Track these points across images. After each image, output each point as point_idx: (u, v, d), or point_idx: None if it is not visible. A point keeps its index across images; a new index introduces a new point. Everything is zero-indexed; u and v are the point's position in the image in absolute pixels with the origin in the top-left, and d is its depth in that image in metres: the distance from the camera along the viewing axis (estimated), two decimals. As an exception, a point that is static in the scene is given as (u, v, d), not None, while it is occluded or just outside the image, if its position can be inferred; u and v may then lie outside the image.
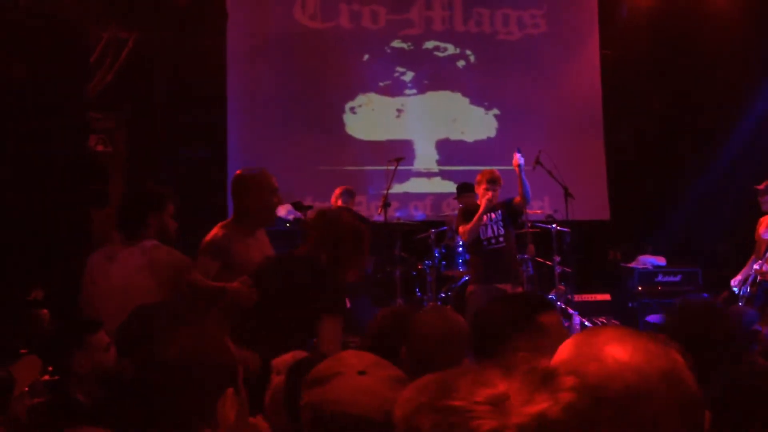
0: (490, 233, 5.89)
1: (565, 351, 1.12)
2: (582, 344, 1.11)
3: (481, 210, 5.78)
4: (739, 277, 6.26)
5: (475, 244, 5.95)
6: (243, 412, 1.65)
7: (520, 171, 5.79)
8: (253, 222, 3.74)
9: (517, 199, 5.87)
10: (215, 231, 3.70)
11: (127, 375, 1.88)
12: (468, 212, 5.92)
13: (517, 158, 5.82)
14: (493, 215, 5.90)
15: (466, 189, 7.53)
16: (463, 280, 7.02)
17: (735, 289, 6.23)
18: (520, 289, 5.92)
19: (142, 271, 3.30)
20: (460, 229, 5.92)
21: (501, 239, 5.87)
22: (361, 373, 1.35)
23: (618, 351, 1.06)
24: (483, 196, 5.81)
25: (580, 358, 1.07)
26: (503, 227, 5.88)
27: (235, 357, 1.62)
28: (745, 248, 6.51)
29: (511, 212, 5.94)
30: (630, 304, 7.99)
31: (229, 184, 8.29)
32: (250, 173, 3.83)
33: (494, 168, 6.13)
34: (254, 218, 3.74)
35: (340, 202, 6.34)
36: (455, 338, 2.13)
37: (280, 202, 3.91)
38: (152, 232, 3.45)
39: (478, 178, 5.97)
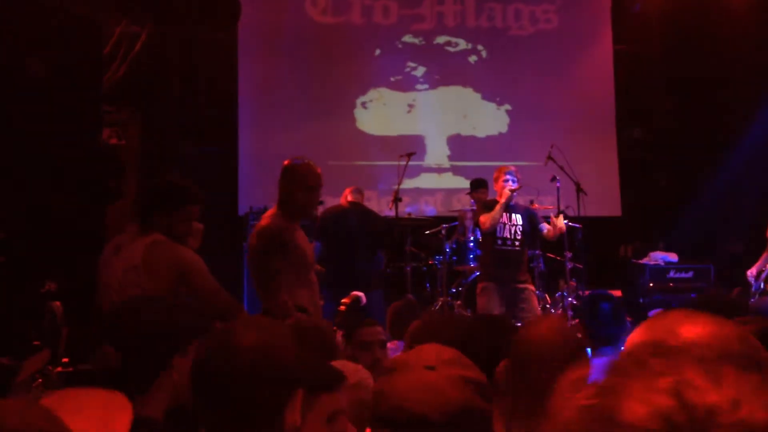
0: (507, 234, 5.81)
1: (637, 336, 1.12)
2: (654, 328, 1.11)
3: (503, 199, 5.68)
4: (753, 270, 6.24)
5: (487, 240, 5.90)
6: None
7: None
8: (298, 216, 3.80)
9: (547, 233, 5.91)
10: (273, 225, 3.67)
11: (107, 364, 1.87)
12: (492, 203, 5.86)
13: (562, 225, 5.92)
14: (514, 218, 5.84)
15: (479, 185, 7.52)
16: (473, 275, 7.02)
17: (751, 279, 6.21)
18: (532, 287, 5.89)
19: (136, 269, 3.19)
20: (481, 218, 5.83)
21: (517, 244, 5.79)
22: (429, 368, 1.28)
23: (691, 329, 1.07)
24: (504, 188, 5.73)
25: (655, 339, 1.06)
26: (521, 234, 5.82)
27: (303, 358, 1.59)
28: (758, 245, 6.48)
29: (533, 227, 5.91)
30: (641, 300, 7.96)
31: (241, 176, 8.37)
32: (299, 168, 3.80)
33: (506, 163, 6.09)
34: (300, 212, 3.79)
35: (350, 198, 6.40)
36: (572, 354, 1.88)
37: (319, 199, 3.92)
38: (160, 229, 3.29)
39: (495, 174, 5.91)
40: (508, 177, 5.77)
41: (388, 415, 1.25)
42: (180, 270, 3.23)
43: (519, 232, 5.82)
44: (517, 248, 5.81)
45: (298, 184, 3.72)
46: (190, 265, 3.25)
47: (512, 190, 5.71)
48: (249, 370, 1.46)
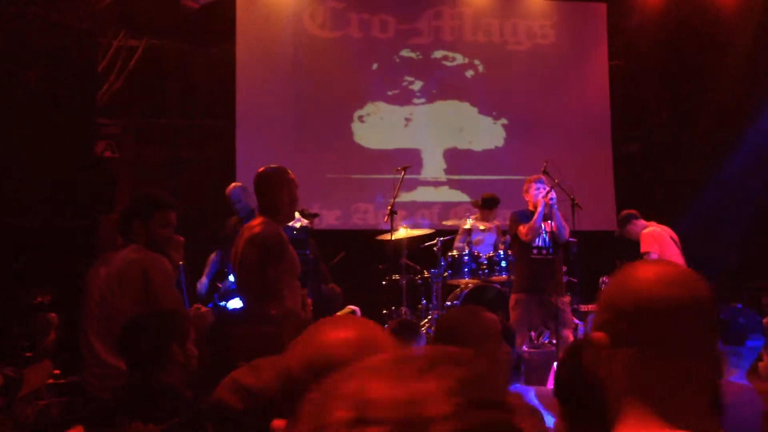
0: (541, 243, 5.74)
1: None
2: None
3: (540, 206, 5.64)
4: None
5: (523, 251, 5.82)
6: None
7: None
8: (284, 217, 3.87)
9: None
10: (271, 233, 3.72)
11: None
12: (525, 214, 5.81)
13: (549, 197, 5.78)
14: (547, 227, 5.76)
15: (494, 203, 7.49)
16: (466, 290, 7.02)
17: None
18: (567, 299, 5.80)
19: (112, 274, 3.35)
20: (521, 229, 5.75)
21: (551, 250, 5.75)
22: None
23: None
24: (538, 197, 5.70)
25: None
26: (553, 240, 5.76)
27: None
28: (753, 258, 6.47)
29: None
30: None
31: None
32: (277, 170, 3.92)
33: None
34: (286, 214, 3.87)
35: None
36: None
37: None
38: (140, 239, 3.42)
39: (525, 186, 5.90)
40: (539, 186, 5.77)
41: None
42: (145, 283, 3.35)
43: (551, 240, 5.75)
44: (551, 256, 5.75)
45: (281, 188, 3.82)
46: (155, 280, 3.37)
47: (547, 198, 5.65)
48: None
